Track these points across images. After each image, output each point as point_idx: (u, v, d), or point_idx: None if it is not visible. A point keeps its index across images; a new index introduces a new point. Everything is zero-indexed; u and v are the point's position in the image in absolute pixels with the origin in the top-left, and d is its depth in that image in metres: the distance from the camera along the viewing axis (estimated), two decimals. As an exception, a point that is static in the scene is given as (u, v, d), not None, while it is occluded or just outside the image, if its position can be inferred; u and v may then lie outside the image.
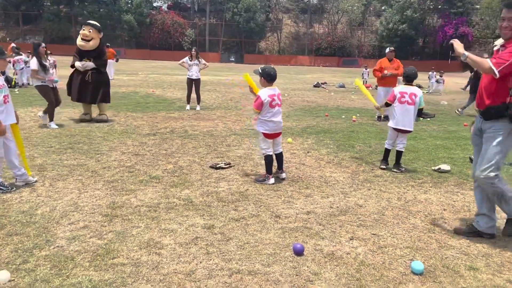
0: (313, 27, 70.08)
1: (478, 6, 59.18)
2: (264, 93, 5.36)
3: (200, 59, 13.04)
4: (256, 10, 63.32)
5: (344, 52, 65.05)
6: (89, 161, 6.29)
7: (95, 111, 10.12)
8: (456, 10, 57.24)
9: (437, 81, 24.59)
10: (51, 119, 9.00)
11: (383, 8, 66.87)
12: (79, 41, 9.43)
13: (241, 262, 3.30)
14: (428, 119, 12.25)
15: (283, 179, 5.67)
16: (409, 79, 6.18)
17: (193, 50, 13.24)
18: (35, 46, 8.83)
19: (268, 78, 5.42)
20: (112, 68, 23.06)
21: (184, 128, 9.40)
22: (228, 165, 6.17)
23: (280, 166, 5.74)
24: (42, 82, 8.75)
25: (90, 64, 9.41)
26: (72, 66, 9.61)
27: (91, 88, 9.51)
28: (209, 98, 15.40)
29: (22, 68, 17.89)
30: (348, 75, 40.80)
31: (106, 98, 9.92)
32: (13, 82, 17.49)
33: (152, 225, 3.98)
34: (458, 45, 3.83)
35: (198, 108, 12.91)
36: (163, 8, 69.68)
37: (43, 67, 8.63)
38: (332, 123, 10.84)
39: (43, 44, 9.06)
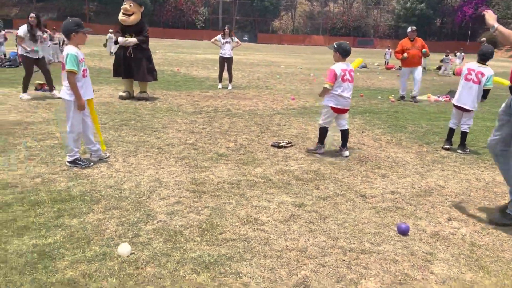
0: (328, 6, 68.92)
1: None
2: (338, 66, 5.47)
3: (233, 37, 12.89)
4: (271, -13, 62.38)
5: (359, 32, 64.11)
6: (149, 138, 6.30)
7: (135, 89, 10.07)
8: (477, -11, 55.88)
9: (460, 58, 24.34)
10: (24, 90, 9.14)
11: (400, -14, 65.42)
12: (120, 16, 9.28)
13: (348, 241, 3.30)
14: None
15: (346, 157, 5.66)
16: (483, 58, 6.04)
17: (226, 28, 13.09)
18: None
19: (344, 53, 5.52)
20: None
21: (226, 107, 9.36)
22: (289, 144, 6.14)
23: (344, 144, 5.74)
24: (26, 52, 8.86)
25: (132, 40, 9.27)
26: (116, 42, 9.58)
27: (133, 65, 9.38)
28: (236, 77, 15.26)
29: (49, 45, 17.83)
30: (364, 55, 40.19)
31: (150, 76, 9.71)
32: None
33: (243, 202, 3.98)
34: (490, 16, 3.71)
35: (230, 87, 12.82)
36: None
37: (32, 36, 8.79)
38: (371, 104, 10.73)
39: (32, 14, 9.09)
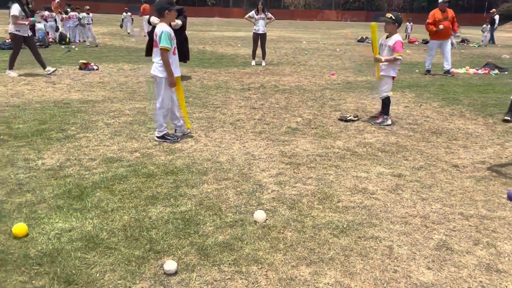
0: (341, -21, 67.55)
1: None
2: (400, 37, 5.68)
3: (266, 13, 12.80)
4: (283, -38, 61.15)
5: (372, 6, 63.03)
6: (215, 114, 6.43)
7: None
8: (495, -42, 54.22)
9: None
10: (10, 67, 9.23)
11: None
12: None
13: (464, 207, 3.44)
14: (506, 72, 11.95)
15: (389, 125, 5.90)
16: None
17: (260, 3, 12.98)
18: None
19: (400, 24, 5.78)
20: (144, 23, 22.91)
21: (271, 83, 9.43)
22: (356, 118, 6.24)
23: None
24: (16, 30, 8.89)
25: (178, 23, 9.00)
26: (149, 22, 9.16)
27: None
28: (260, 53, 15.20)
29: (77, 24, 17.87)
30: (379, 30, 39.60)
31: (186, 57, 9.53)
32: (67, 39, 17.56)
33: (341, 173, 4.12)
34: None
35: (263, 63, 12.83)
36: (185, -39, 67.75)
37: (25, 13, 8.90)
38: (413, 77, 10.72)
39: None
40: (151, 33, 9.17)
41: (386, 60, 5.69)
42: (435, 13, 11.05)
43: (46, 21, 17.31)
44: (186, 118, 5.31)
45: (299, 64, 13.21)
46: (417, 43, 24.14)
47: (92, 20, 17.82)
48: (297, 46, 19.95)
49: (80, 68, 10.44)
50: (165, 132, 5.00)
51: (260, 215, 3.12)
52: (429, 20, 11.25)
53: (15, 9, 8.76)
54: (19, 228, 2.81)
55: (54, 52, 14.44)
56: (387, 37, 5.91)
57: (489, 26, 24.47)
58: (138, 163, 4.25)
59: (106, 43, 18.45)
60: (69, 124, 5.60)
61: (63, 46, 16.34)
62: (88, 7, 18.33)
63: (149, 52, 9.43)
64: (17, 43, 9.15)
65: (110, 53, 14.46)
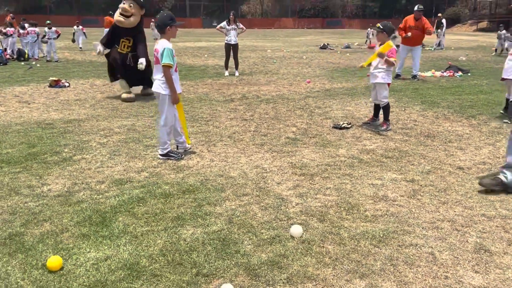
0: (295, -13, 68.83)
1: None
2: (393, 45, 5.92)
3: (238, 24, 12.87)
4: (238, -29, 61.64)
5: (327, 13, 64.55)
6: (209, 128, 6.37)
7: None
8: (439, -34, 57.22)
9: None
10: None
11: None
12: (117, 16, 8.12)
13: (485, 209, 3.57)
14: (469, 74, 12.55)
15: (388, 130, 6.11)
16: None
17: (231, 14, 13.05)
18: None
19: (390, 32, 5.99)
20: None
21: (252, 94, 9.45)
22: (350, 125, 6.36)
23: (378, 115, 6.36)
24: None
25: (143, 62, 7.93)
26: (106, 45, 8.50)
27: (135, 74, 8.29)
28: (233, 63, 15.26)
29: (35, 40, 17.17)
30: (336, 36, 40.77)
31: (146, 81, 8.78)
32: (26, 55, 16.86)
33: (357, 181, 4.18)
34: None
35: (237, 73, 12.84)
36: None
37: None
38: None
39: None
40: (115, 58, 8.29)
41: (386, 61, 5.85)
42: (408, 20, 11.44)
43: (6, 35, 16.57)
44: (186, 134, 5.21)
45: (271, 73, 13.30)
46: (376, 48, 24.85)
47: (58, 35, 17.03)
48: (263, 54, 20.09)
49: (51, 86, 10.03)
50: (169, 149, 4.89)
51: (296, 230, 3.11)
52: (400, 25, 11.67)
53: None
54: (54, 261, 2.64)
55: (14, 69, 13.79)
56: (380, 46, 6.08)
57: (438, 30, 25.46)
58: (150, 183, 4.12)
59: (67, 58, 17.83)
60: (61, 146, 5.35)
61: (22, 63, 15.63)
62: (49, 21, 17.60)
63: (113, 78, 8.87)
64: None
65: (75, 68, 13.99)
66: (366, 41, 27.93)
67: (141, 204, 3.63)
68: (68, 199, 3.74)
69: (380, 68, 6.03)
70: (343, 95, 9.15)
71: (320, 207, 3.60)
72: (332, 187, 4.03)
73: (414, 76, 11.48)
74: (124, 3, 8.08)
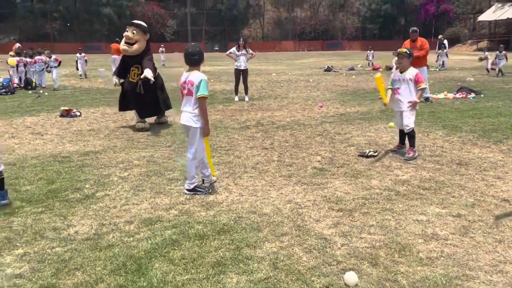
0: (294, 11, 69.90)
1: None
2: (416, 69, 5.89)
3: (247, 49, 12.86)
4: (238, -4, 62.73)
5: (327, 35, 65.33)
6: (229, 158, 6.18)
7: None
8: (437, -13, 58.20)
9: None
10: None
11: (363, -11, 67.24)
12: (122, 45, 8.07)
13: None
14: (482, 95, 12.42)
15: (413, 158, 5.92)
16: None
17: (241, 40, 13.09)
18: None
19: (413, 57, 5.96)
20: (117, 63, 22.48)
21: (267, 120, 9.31)
22: (376, 153, 6.16)
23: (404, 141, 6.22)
24: None
25: (148, 76, 7.71)
26: (119, 75, 8.46)
27: (146, 102, 8.17)
28: (241, 88, 15.21)
29: (42, 69, 17.15)
30: (338, 58, 41.07)
31: (167, 106, 8.81)
32: (33, 84, 16.82)
33: (400, 217, 3.96)
34: None
35: (246, 98, 12.76)
36: (141, -1, 67.99)
37: None
38: (401, 106, 10.90)
39: None
40: (127, 87, 8.15)
41: (419, 97, 5.74)
42: (406, 44, 11.28)
43: (17, 68, 16.67)
44: (211, 166, 5.01)
45: (280, 97, 13.20)
46: (381, 69, 24.89)
47: (58, 63, 17.03)
48: (269, 78, 20.10)
49: (62, 115, 9.90)
50: (196, 184, 4.68)
51: (351, 278, 2.87)
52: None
53: None
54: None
55: (23, 98, 13.72)
56: (401, 72, 5.94)
57: (439, 51, 25.39)
58: (181, 223, 3.89)
59: (74, 85, 17.80)
60: (81, 181, 5.15)
61: (30, 92, 15.57)
62: (48, 51, 17.61)
63: (123, 107, 8.66)
64: None
65: (84, 96, 13.91)
66: (369, 63, 27.98)
67: (176, 248, 3.40)
68: (98, 243, 3.51)
69: (409, 95, 5.88)
70: (360, 120, 8.99)
71: (368, 248, 3.36)
72: (375, 225, 3.80)
73: (427, 99, 11.33)
74: (127, 31, 7.98)
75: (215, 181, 5.05)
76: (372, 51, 28.97)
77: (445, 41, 26.30)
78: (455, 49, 51.14)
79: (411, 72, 5.82)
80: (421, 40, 11.10)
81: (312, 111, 10.44)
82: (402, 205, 4.23)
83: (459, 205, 4.20)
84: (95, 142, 7.26)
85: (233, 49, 12.86)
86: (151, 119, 8.78)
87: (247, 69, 12.78)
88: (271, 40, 67.06)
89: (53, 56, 16.75)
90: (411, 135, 5.90)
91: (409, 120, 5.89)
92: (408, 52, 5.86)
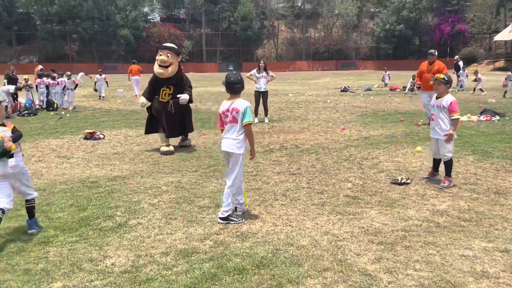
0: (308, 32, 70.48)
1: (469, 3, 60.21)
2: (453, 97, 5.78)
3: (268, 71, 12.91)
4: (253, 18, 63.47)
5: (341, 55, 65.50)
6: (258, 184, 6.12)
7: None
8: (452, 7, 58.17)
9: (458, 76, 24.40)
10: None
11: (377, 10, 67.60)
12: (156, 69, 8.14)
13: None
14: (507, 118, 12.21)
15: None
16: None
17: (261, 62, 13.17)
18: None
19: (451, 84, 5.90)
20: (139, 84, 22.77)
21: (290, 143, 9.24)
22: (409, 180, 6.02)
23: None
24: None
25: (186, 98, 8.11)
26: (150, 99, 8.46)
27: (175, 121, 8.35)
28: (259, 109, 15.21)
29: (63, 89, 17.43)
30: (353, 78, 41.05)
31: (191, 128, 8.93)
32: (55, 105, 17.08)
33: (444, 252, 3.81)
34: None
35: (266, 120, 12.77)
36: (157, 20, 69.36)
37: None
38: (425, 128, 10.76)
39: None
40: (158, 108, 8.22)
41: (454, 129, 5.64)
42: (422, 65, 11.18)
43: (37, 89, 17.00)
44: (245, 194, 4.94)
45: (300, 119, 13.16)
46: (398, 89, 24.74)
47: (75, 86, 17.24)
48: (286, 99, 20.12)
49: (86, 138, 9.96)
50: (229, 212, 4.61)
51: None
52: (417, 71, 11.50)
53: None
54: None
55: (45, 120, 13.90)
56: (437, 98, 5.85)
57: (460, 71, 25.12)
58: (218, 255, 3.81)
59: (94, 106, 18.01)
60: (112, 209, 5.11)
61: (52, 113, 15.80)
62: (69, 72, 17.87)
63: (149, 129, 8.73)
64: None
65: (105, 118, 14.04)
66: (385, 84, 27.86)
67: (216, 283, 3.31)
68: (136, 276, 3.44)
69: (443, 122, 5.77)
70: (385, 144, 8.87)
71: (416, 286, 3.23)
72: (420, 260, 3.66)
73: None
74: (161, 55, 8.09)
75: (247, 210, 4.97)
76: (387, 72, 28.92)
77: (460, 62, 26.02)
78: (471, 69, 50.81)
79: (447, 99, 5.72)
80: (439, 64, 10.73)
81: (335, 133, 10.36)
82: (445, 239, 4.09)
83: (505, 239, 4.04)
84: (122, 166, 7.26)
85: (254, 71, 12.94)
86: (174, 141, 8.80)
87: (267, 91, 12.81)
88: (285, 60, 67.50)
89: (72, 78, 17.02)
90: (449, 163, 5.75)
91: (446, 149, 5.75)
92: (446, 79, 5.77)
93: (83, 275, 3.47)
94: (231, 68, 63.36)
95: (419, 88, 13.29)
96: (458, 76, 24.54)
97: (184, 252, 3.88)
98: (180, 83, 8.38)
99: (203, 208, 5.11)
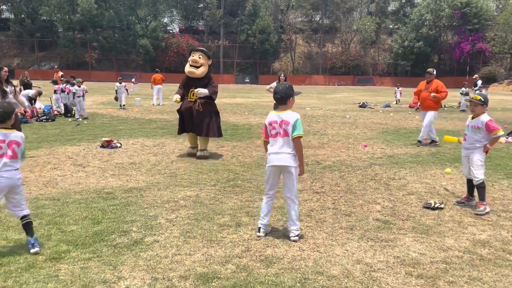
0: (326, 46, 70.38)
1: (490, 23, 59.44)
2: (489, 116, 5.52)
3: (288, 85, 12.63)
4: (271, 31, 63.66)
5: (358, 71, 65.15)
6: (280, 201, 5.77)
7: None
8: (472, 26, 57.51)
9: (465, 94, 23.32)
10: None
11: (396, 26, 67.27)
12: (187, 68, 8.57)
13: None
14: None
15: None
16: None
17: (282, 75, 12.99)
18: None
19: (487, 104, 5.60)
20: (161, 93, 22.75)
21: (311, 159, 8.91)
22: (443, 204, 5.64)
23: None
24: None
25: (203, 91, 8.43)
26: (181, 98, 8.72)
27: (199, 119, 8.55)
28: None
29: (83, 97, 17.39)
30: (370, 93, 40.66)
31: (215, 131, 8.78)
32: (73, 112, 17.03)
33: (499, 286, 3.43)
34: None
35: (285, 134, 12.41)
36: (176, 31, 70.06)
37: (2, 93, 8.01)
38: (451, 148, 10.35)
39: (5, 68, 8.22)
40: (187, 108, 8.55)
41: (491, 144, 5.32)
42: (420, 84, 10.82)
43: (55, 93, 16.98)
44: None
45: (319, 134, 12.84)
46: (417, 109, 24.04)
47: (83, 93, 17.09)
48: (303, 112, 19.79)
49: (103, 146, 9.77)
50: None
51: None
52: (415, 90, 11.14)
53: None
54: None
55: (63, 126, 13.82)
56: (473, 118, 5.52)
57: (479, 91, 24.43)
58: (241, 282, 3.49)
59: (111, 114, 17.94)
60: (127, 223, 4.84)
61: (70, 119, 15.76)
62: (80, 79, 17.77)
63: (181, 130, 8.99)
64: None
65: (122, 126, 13.90)
66: (396, 101, 27.33)
67: (241, 316, 2.98)
68: (153, 303, 3.13)
69: (477, 143, 5.43)
70: (412, 164, 8.48)
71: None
72: (466, 297, 3.28)
73: (419, 141, 10.59)
74: (193, 55, 8.55)
75: (270, 231, 4.66)
76: (400, 89, 28.45)
77: (479, 81, 25.26)
78: (490, 89, 49.87)
79: (482, 119, 5.40)
80: (437, 83, 10.36)
81: (357, 150, 10.01)
82: (491, 274, 3.70)
83: (560, 277, 3.64)
84: (138, 178, 7.01)
85: (273, 84, 12.67)
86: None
87: (287, 104, 12.50)
88: (301, 73, 67.37)
89: (82, 86, 16.87)
90: (481, 187, 5.39)
91: (477, 172, 5.41)
92: (482, 100, 5.46)
93: (95, 298, 3.18)
94: (247, 81, 63.46)
95: (417, 109, 12.67)
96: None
97: (205, 277, 3.57)
98: (207, 84, 8.71)
99: (223, 226, 4.80)
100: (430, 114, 10.54)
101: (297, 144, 4.32)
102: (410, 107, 11.60)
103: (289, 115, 4.32)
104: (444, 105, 22.87)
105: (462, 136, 5.91)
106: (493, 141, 5.42)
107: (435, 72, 10.78)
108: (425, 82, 10.71)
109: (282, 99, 4.36)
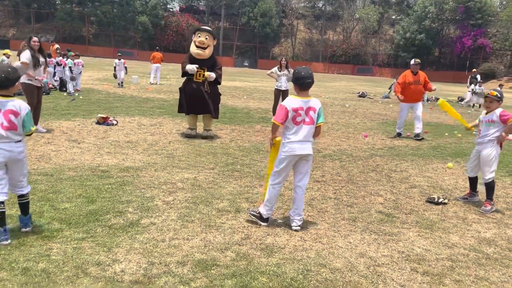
0: (327, 34, 69.69)
1: (493, 18, 58.99)
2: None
3: (290, 69, 12.46)
4: (272, 15, 62.83)
5: (358, 60, 64.61)
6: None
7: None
8: (475, 21, 57.06)
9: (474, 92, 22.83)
10: (36, 123, 7.90)
11: (399, 17, 66.64)
12: (194, 49, 8.35)
13: None
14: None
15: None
16: None
17: (283, 60, 12.74)
18: (28, 39, 7.96)
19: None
20: (159, 72, 22.34)
21: (318, 147, 8.73)
22: (446, 200, 5.52)
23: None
24: (28, 80, 7.78)
25: (212, 76, 8.45)
26: (184, 74, 8.60)
27: (207, 99, 8.51)
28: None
29: (80, 72, 17.05)
30: (369, 84, 40.40)
31: (216, 112, 8.88)
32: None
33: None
34: None
35: (285, 120, 12.23)
36: (176, 10, 68.97)
37: (35, 62, 7.81)
38: (451, 142, 10.24)
39: (35, 38, 8.00)
40: (191, 88, 8.37)
41: (506, 132, 5.13)
42: (406, 75, 10.38)
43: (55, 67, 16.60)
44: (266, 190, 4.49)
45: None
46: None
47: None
48: (303, 100, 19.51)
49: (98, 123, 9.54)
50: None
51: None
52: (398, 80, 10.80)
53: (25, 55, 7.71)
54: None
55: (57, 100, 13.52)
56: (487, 113, 5.35)
57: (475, 87, 23.86)
58: (241, 271, 3.35)
59: (108, 90, 17.61)
60: (123, 203, 4.67)
61: (65, 94, 15.44)
62: (73, 53, 17.37)
63: (182, 109, 8.80)
64: (31, 95, 7.88)
65: (118, 103, 13.62)
66: (390, 92, 26.97)
67: (242, 307, 2.84)
68: (149, 289, 2.98)
69: (490, 136, 5.26)
70: (413, 156, 8.35)
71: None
72: (475, 297, 3.17)
73: (417, 135, 10.38)
74: (199, 36, 8.29)
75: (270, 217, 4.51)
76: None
77: (478, 76, 24.68)
78: (490, 85, 49.90)
79: (496, 112, 5.21)
80: (423, 74, 10.35)
81: (357, 140, 9.87)
82: (499, 274, 3.59)
83: None
84: (134, 157, 6.82)
85: (275, 69, 12.50)
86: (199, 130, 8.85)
87: (288, 89, 12.34)
88: (301, 60, 66.75)
89: (78, 60, 16.50)
90: (491, 186, 5.25)
91: (487, 169, 5.25)
92: (499, 96, 5.25)
93: (88, 281, 3.03)
94: (246, 64, 62.77)
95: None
96: (473, 93, 23.53)
97: (203, 264, 3.42)
98: (213, 65, 8.61)
99: (221, 211, 4.65)
100: (420, 105, 10.49)
101: (320, 132, 4.26)
102: (398, 96, 10.70)
103: (315, 102, 4.16)
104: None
105: (474, 128, 5.77)
106: (508, 129, 5.17)
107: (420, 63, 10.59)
108: (410, 73, 10.37)
109: (311, 84, 4.12)
